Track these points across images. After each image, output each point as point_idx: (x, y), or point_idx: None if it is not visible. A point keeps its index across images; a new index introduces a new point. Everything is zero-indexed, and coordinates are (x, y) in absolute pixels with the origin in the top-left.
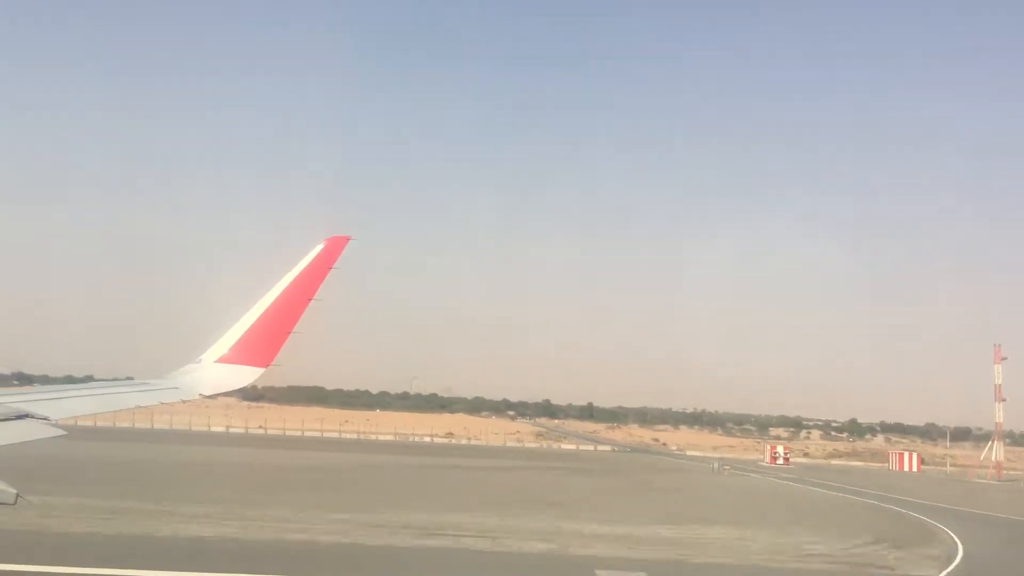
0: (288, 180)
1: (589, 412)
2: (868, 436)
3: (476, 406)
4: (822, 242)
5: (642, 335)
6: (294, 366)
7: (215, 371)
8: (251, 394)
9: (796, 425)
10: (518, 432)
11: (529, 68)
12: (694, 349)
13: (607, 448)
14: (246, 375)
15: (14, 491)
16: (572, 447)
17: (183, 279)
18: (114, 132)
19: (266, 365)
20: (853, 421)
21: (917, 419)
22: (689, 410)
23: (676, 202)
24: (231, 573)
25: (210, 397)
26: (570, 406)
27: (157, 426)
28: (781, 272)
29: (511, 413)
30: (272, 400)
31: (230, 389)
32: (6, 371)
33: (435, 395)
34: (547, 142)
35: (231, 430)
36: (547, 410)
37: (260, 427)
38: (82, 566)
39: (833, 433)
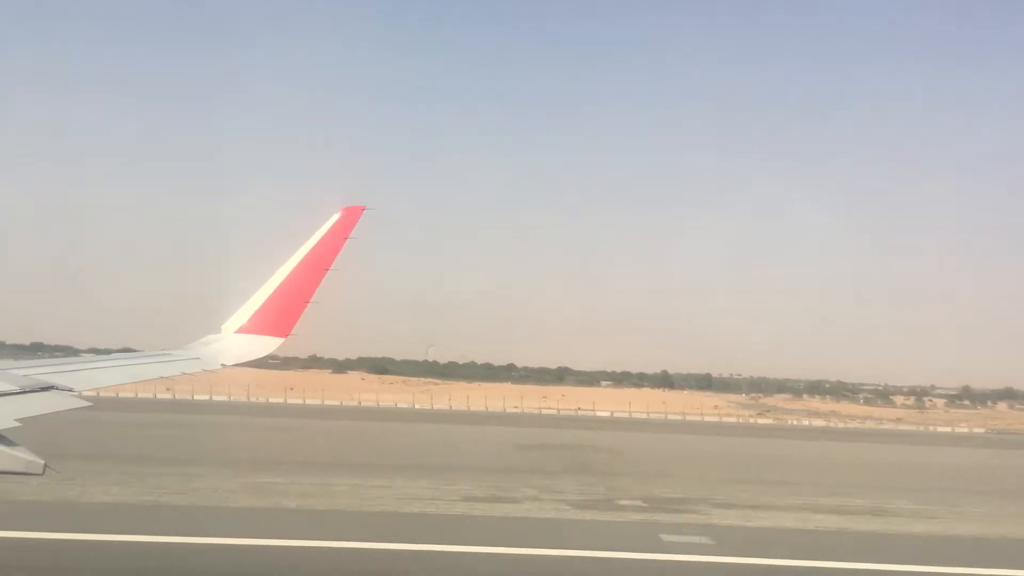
0: (304, 149)
1: (707, 382)
2: (989, 403)
3: (591, 378)
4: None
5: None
6: (309, 336)
7: (235, 341)
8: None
9: (915, 393)
10: (717, 407)
11: (553, 30)
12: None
13: (980, 431)
14: (266, 345)
15: (42, 461)
16: (858, 426)
17: (201, 250)
18: (130, 104)
19: (285, 335)
20: (967, 388)
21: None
22: (793, 378)
23: (716, 165)
24: None
25: (231, 367)
26: (684, 375)
27: (295, 400)
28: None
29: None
30: (398, 372)
31: (250, 359)
32: (28, 343)
33: (512, 364)
34: (580, 104)
35: (417, 406)
36: (665, 380)
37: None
38: None
39: (957, 401)
